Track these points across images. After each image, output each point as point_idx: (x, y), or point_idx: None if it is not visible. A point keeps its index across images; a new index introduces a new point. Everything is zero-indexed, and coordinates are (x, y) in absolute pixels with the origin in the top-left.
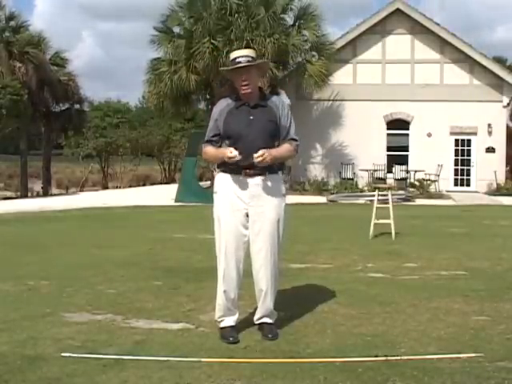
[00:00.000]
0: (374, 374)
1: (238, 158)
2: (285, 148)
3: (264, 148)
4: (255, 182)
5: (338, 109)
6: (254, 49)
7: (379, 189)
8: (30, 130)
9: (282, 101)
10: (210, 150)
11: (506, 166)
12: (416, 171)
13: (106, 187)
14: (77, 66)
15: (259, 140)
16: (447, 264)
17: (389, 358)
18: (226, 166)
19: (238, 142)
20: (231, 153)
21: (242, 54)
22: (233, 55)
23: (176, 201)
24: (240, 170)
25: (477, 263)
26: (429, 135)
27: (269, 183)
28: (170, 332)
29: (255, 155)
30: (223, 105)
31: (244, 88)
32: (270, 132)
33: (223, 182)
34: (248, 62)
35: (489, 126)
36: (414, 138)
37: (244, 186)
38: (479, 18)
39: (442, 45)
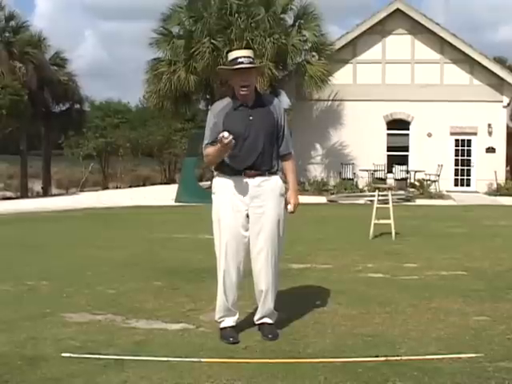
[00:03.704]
0: (374, 374)
1: (230, 138)
2: (292, 172)
3: (264, 148)
4: (255, 183)
5: (338, 109)
6: (252, 49)
7: (379, 189)
8: (30, 130)
9: (278, 100)
10: (209, 150)
11: (506, 166)
12: (416, 171)
13: (106, 187)
14: (79, 65)
15: (260, 140)
16: (447, 264)
17: (389, 358)
18: (226, 168)
19: (238, 143)
20: (224, 137)
21: (243, 55)
22: (233, 55)
23: (176, 201)
24: (240, 171)
25: (477, 263)
26: (429, 135)
27: (269, 184)
28: (170, 332)
29: (290, 208)
30: (220, 106)
31: (243, 89)
32: (270, 132)
33: (222, 183)
34: (250, 63)
35: (489, 126)
36: (414, 138)
37: (244, 187)
38: (483, 18)
39: (442, 45)
